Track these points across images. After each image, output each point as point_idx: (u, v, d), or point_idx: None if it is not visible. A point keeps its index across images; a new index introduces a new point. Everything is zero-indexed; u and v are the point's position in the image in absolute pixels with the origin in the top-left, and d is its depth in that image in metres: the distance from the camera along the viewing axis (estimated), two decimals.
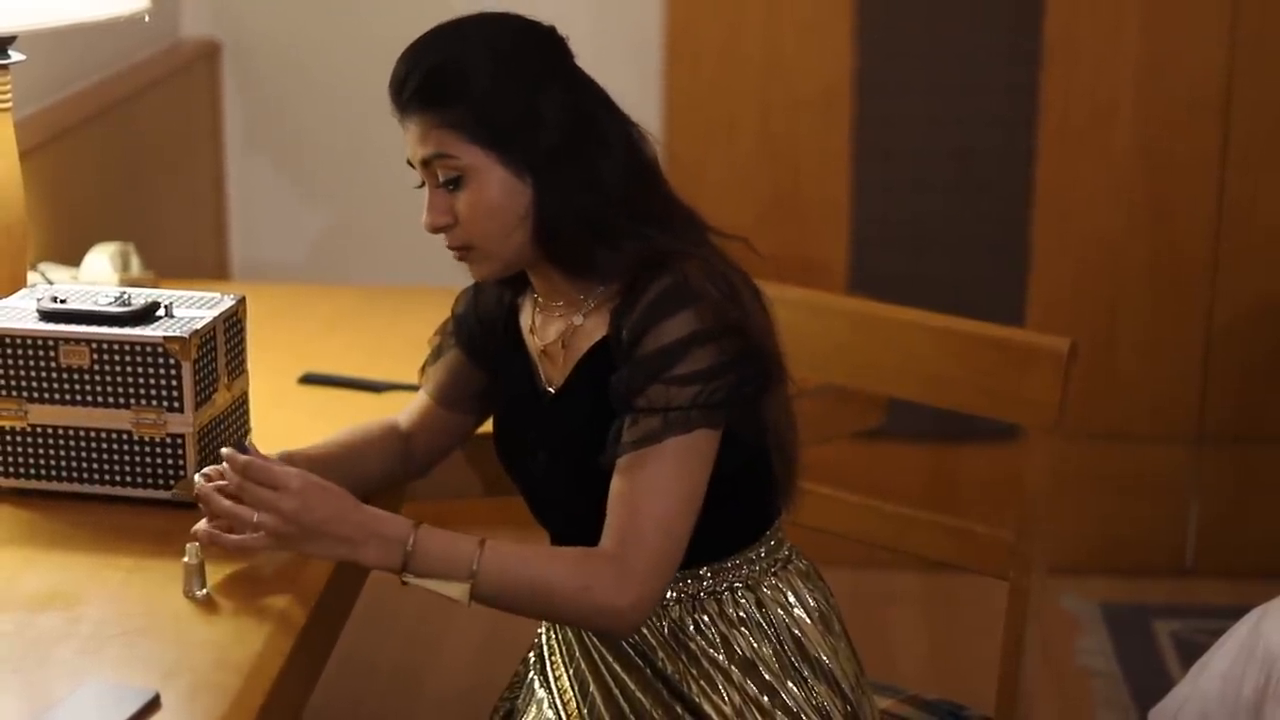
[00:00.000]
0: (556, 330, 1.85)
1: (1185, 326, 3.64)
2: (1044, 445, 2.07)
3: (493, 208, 1.77)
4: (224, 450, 1.73)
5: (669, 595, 1.84)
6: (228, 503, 1.70)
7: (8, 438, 1.92)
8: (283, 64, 3.70)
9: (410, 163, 1.82)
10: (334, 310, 2.72)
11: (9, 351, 1.91)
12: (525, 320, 1.91)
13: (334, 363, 2.42)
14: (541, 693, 1.93)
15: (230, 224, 3.78)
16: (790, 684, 1.84)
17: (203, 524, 1.75)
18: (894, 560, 2.66)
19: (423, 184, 1.82)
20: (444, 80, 1.77)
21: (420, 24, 1.84)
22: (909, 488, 3.57)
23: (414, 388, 2.15)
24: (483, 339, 1.96)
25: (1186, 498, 3.72)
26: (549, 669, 1.93)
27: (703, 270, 1.75)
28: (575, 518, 1.84)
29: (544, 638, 1.96)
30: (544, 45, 1.81)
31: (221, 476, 1.75)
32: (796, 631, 1.86)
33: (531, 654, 1.99)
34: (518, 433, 1.90)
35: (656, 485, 1.71)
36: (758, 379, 1.76)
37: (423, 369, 2.03)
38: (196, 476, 1.80)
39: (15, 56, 2.19)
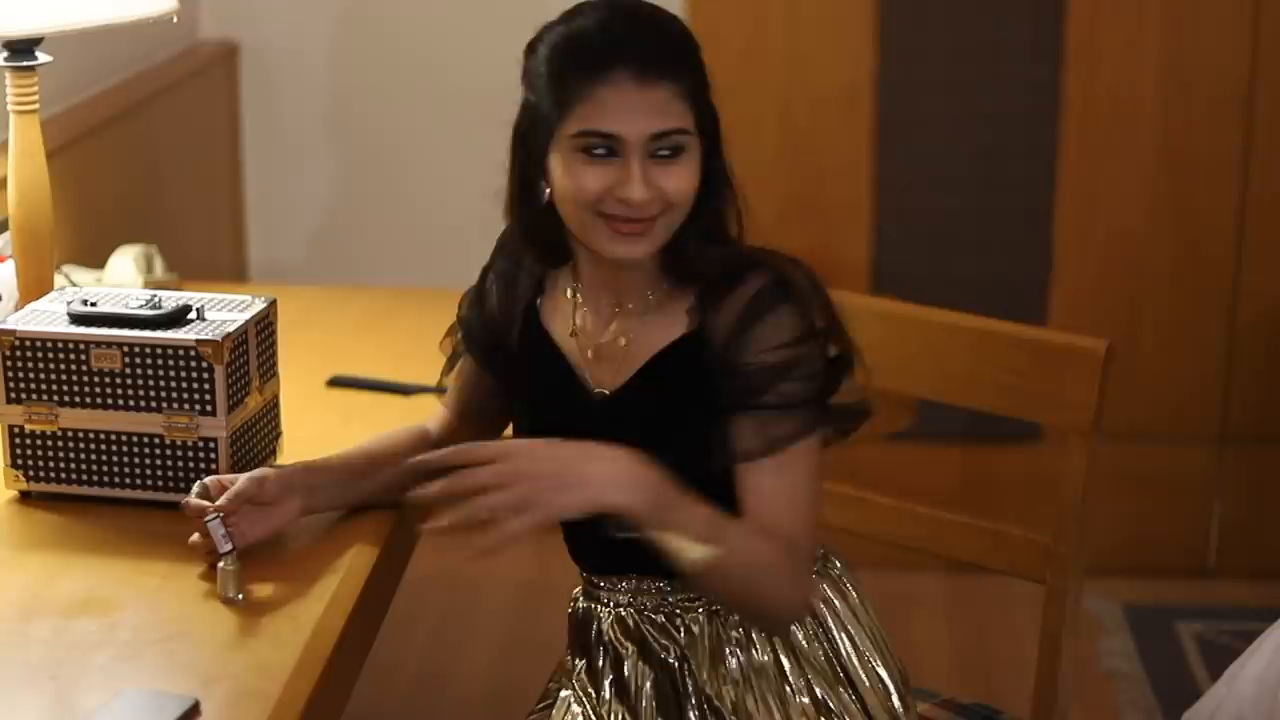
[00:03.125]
0: (615, 329, 1.80)
1: (1208, 325, 3.62)
2: (1080, 448, 2.05)
3: (691, 188, 1.73)
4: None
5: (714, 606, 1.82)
6: (471, 508, 1.58)
7: (39, 442, 1.91)
8: (300, 65, 3.68)
9: (604, 132, 1.68)
10: (358, 312, 2.70)
11: (40, 355, 1.89)
12: (560, 323, 1.85)
13: (361, 365, 2.41)
14: (577, 708, 1.88)
15: (247, 226, 3.77)
16: (840, 690, 1.82)
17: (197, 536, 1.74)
18: (915, 562, 2.65)
19: (599, 150, 1.69)
20: (683, 49, 1.74)
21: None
22: (940, 490, 3.54)
23: (443, 390, 2.13)
24: (491, 347, 1.90)
25: (1208, 498, 3.70)
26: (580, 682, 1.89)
27: (795, 268, 1.75)
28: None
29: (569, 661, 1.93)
30: None
31: (221, 486, 1.76)
32: (843, 635, 1.84)
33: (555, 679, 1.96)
34: (564, 436, 1.80)
35: (800, 484, 1.71)
36: (845, 377, 1.77)
37: (440, 380, 1.98)
38: (196, 485, 1.79)
39: (42, 58, 2.18)
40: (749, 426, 1.71)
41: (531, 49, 1.77)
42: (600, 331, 1.82)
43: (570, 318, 1.84)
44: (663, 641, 1.83)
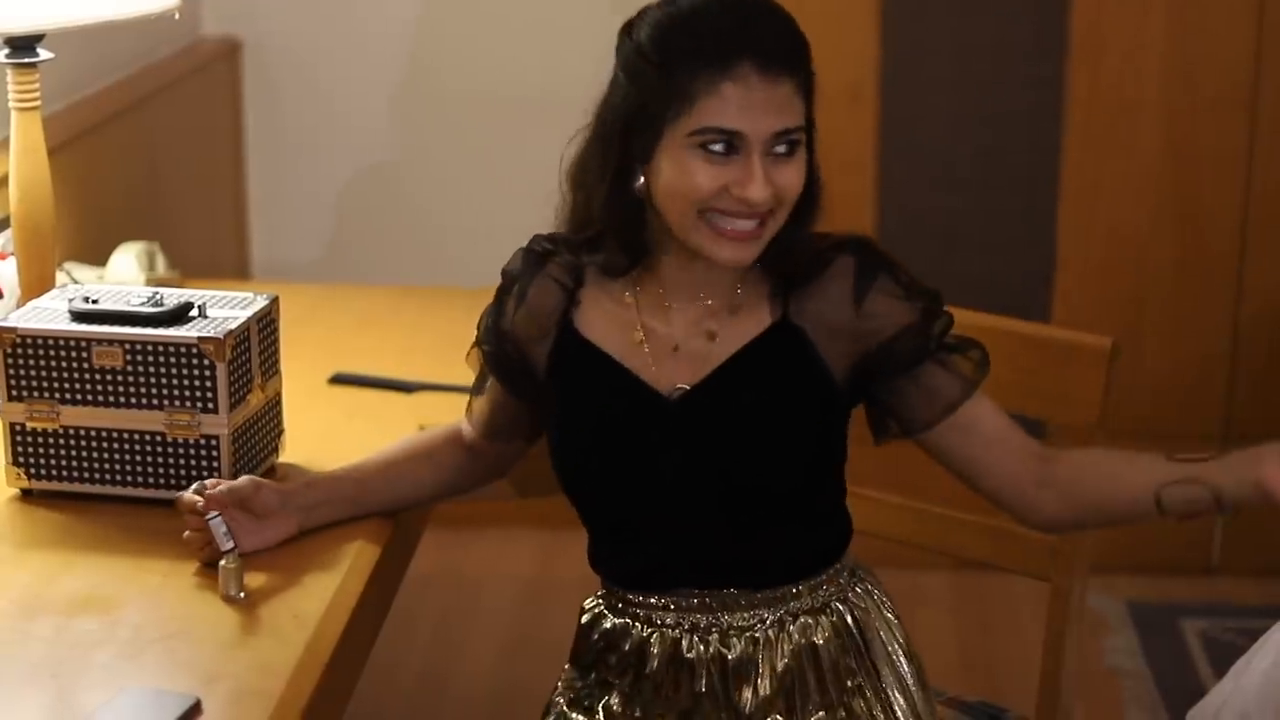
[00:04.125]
0: (701, 326, 1.75)
1: (1212, 323, 3.61)
2: (1085, 445, 2.04)
3: (801, 184, 1.70)
4: None
5: (767, 617, 1.79)
6: None
7: (40, 439, 1.91)
8: (303, 63, 3.68)
9: (727, 130, 1.63)
10: (360, 310, 2.70)
11: (41, 353, 1.89)
12: (610, 330, 1.77)
13: (363, 363, 2.40)
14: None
15: (250, 223, 3.76)
16: (869, 693, 1.81)
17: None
18: (920, 560, 2.64)
19: (716, 147, 1.64)
20: (801, 40, 1.69)
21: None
22: (946, 488, 3.53)
23: (445, 388, 2.12)
24: (518, 371, 1.84)
25: None
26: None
27: (864, 238, 1.78)
28: (701, 515, 1.76)
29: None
30: None
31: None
32: (876, 640, 1.84)
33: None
34: (634, 441, 1.76)
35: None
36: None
37: (470, 403, 1.92)
38: (194, 485, 1.78)
39: (44, 54, 2.17)
40: (939, 375, 1.75)
41: (630, 29, 1.70)
42: (680, 330, 1.76)
43: (626, 323, 1.77)
44: (709, 660, 1.78)
